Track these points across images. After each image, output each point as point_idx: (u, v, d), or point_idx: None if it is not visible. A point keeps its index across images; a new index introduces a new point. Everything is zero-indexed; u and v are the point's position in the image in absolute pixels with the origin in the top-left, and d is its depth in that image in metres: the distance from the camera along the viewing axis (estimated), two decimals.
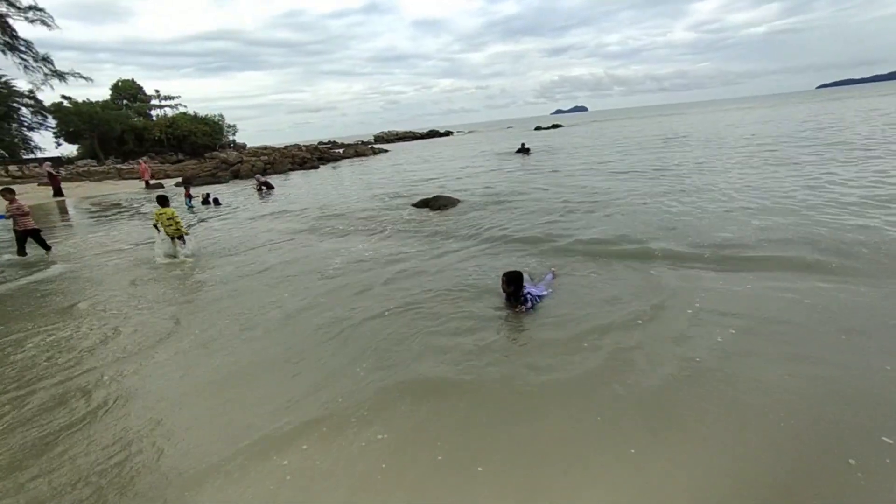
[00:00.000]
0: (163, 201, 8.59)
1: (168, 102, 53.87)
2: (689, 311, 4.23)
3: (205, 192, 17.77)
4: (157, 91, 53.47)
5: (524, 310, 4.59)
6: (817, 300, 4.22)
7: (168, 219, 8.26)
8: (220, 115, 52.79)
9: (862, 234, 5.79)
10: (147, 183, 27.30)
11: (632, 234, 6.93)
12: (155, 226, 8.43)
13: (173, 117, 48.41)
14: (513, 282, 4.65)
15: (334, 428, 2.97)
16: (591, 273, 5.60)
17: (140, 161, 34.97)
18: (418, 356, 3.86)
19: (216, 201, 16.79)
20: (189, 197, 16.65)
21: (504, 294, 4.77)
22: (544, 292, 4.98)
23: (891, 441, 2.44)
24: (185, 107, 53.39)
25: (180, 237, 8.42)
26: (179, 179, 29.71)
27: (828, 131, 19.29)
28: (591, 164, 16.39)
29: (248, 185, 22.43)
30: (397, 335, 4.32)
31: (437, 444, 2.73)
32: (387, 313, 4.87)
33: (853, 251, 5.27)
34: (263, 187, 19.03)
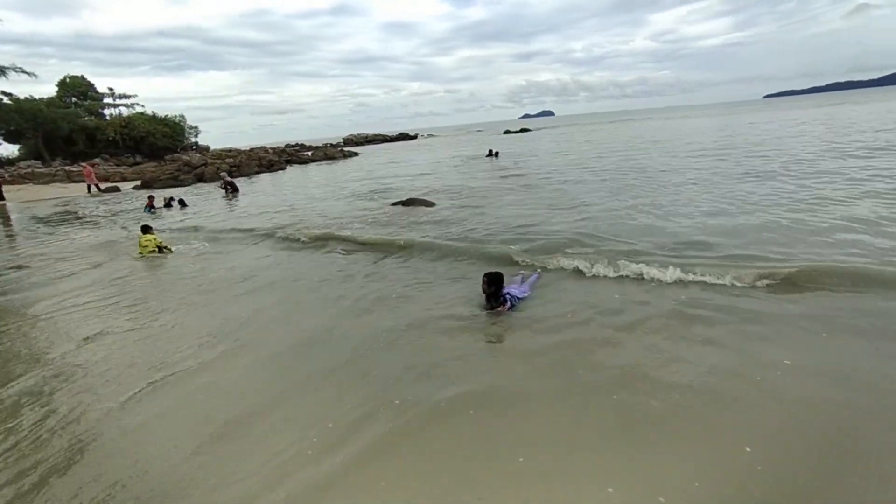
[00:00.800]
0: (146, 230, 9.22)
1: (123, 101, 51.09)
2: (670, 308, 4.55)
3: (167, 196, 17.24)
4: (110, 89, 50.62)
5: (504, 310, 4.69)
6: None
7: (147, 241, 8.88)
8: (181, 116, 50.66)
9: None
10: (90, 188, 24.78)
11: (610, 235, 7.27)
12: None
13: (129, 117, 46.01)
14: (493, 282, 4.73)
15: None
16: (569, 276, 5.76)
17: (83, 164, 32.66)
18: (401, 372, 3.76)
19: (181, 202, 16.43)
20: (151, 207, 16.07)
21: (484, 294, 4.83)
22: (525, 293, 5.06)
23: None
24: (143, 106, 50.84)
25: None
26: (138, 183, 28.35)
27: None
28: (562, 168, 17.08)
29: (213, 188, 21.86)
30: (381, 341, 4.39)
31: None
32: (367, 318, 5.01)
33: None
34: (228, 187, 18.69)
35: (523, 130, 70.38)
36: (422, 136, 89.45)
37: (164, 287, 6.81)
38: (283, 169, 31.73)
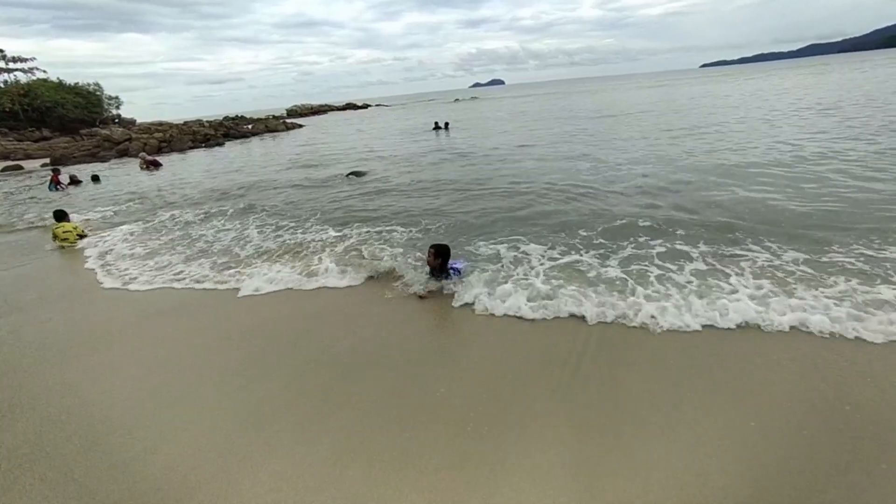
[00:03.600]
0: (60, 216, 8.21)
1: (18, 66, 44.39)
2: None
3: (71, 174, 16.06)
4: (0, 51, 43.76)
5: (452, 282, 4.70)
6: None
7: (65, 232, 7.92)
8: (97, 85, 45.09)
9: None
10: None
11: (549, 208, 7.57)
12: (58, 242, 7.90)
13: (29, 84, 40.28)
14: (441, 254, 4.72)
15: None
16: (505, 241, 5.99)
17: None
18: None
19: (95, 178, 15.51)
20: (56, 183, 14.70)
21: (429, 267, 4.83)
22: (464, 264, 5.09)
23: None
24: (45, 72, 44.58)
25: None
26: (46, 161, 25.26)
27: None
28: (508, 136, 17.23)
29: (135, 163, 20.20)
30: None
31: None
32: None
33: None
34: (151, 166, 17.65)
35: (473, 99, 69.93)
36: (379, 105, 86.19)
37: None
38: (220, 144, 29.48)
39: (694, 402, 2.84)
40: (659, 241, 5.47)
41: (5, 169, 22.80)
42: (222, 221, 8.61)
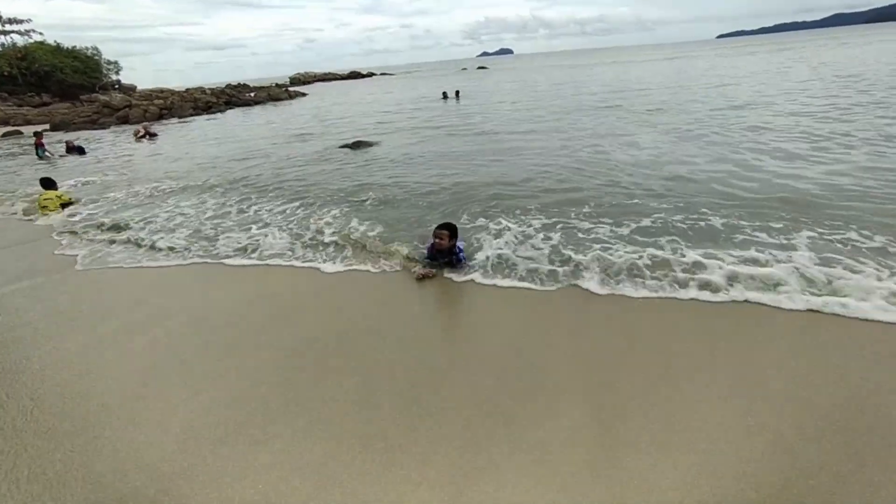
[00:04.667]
0: (48, 184, 7.86)
1: (15, 28, 43.15)
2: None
3: (68, 140, 15.48)
4: None
5: (463, 264, 4.38)
6: None
7: (46, 199, 7.52)
8: (95, 49, 43.87)
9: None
10: None
11: (549, 183, 7.16)
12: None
13: (26, 48, 39.23)
14: (454, 234, 4.35)
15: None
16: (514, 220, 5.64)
17: None
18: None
19: (80, 150, 14.68)
20: (41, 146, 14.33)
21: (435, 250, 4.37)
22: (462, 243, 4.67)
23: None
24: (42, 34, 43.34)
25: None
26: (46, 126, 24.79)
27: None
28: (516, 108, 16.54)
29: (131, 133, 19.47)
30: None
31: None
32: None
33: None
34: (147, 136, 17.24)
35: (480, 68, 67.67)
36: (385, 74, 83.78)
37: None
38: (221, 111, 28.80)
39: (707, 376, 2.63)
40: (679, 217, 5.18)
41: (5, 134, 22.43)
42: (207, 196, 7.92)
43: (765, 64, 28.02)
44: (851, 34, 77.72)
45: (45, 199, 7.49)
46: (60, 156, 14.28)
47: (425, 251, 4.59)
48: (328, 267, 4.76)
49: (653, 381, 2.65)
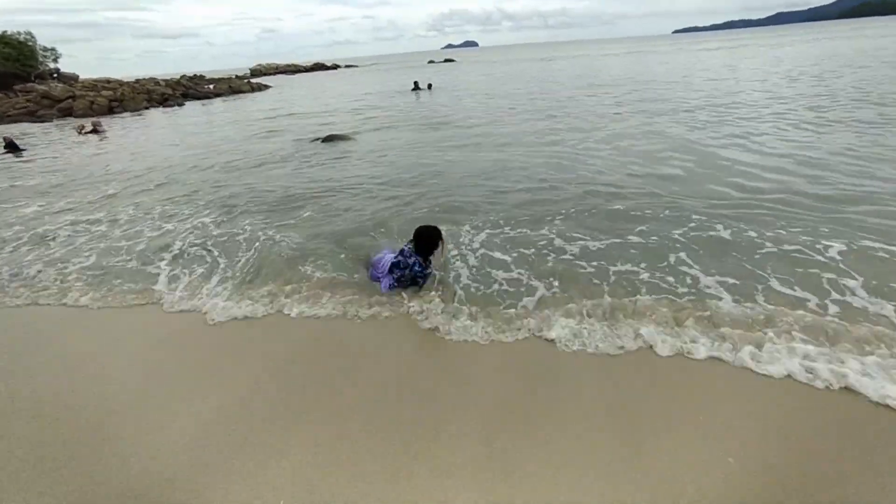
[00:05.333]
0: None
1: None
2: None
3: (6, 136, 14.01)
4: None
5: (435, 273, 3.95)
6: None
7: None
8: (28, 34, 40.13)
9: None
10: None
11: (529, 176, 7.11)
12: None
13: None
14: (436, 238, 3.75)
15: None
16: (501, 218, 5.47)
17: None
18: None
19: (12, 146, 13.32)
20: None
21: (414, 259, 3.70)
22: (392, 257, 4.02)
23: None
24: None
25: None
26: None
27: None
28: (482, 100, 16.44)
29: (73, 127, 17.81)
30: None
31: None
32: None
33: None
34: (94, 131, 15.96)
35: (448, 61, 67.22)
36: (349, 66, 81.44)
37: None
38: (179, 105, 27.10)
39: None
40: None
41: None
42: (171, 207, 6.83)
43: (728, 58, 29.33)
44: (794, 32, 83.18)
45: None
46: (1, 153, 12.90)
47: (399, 269, 3.71)
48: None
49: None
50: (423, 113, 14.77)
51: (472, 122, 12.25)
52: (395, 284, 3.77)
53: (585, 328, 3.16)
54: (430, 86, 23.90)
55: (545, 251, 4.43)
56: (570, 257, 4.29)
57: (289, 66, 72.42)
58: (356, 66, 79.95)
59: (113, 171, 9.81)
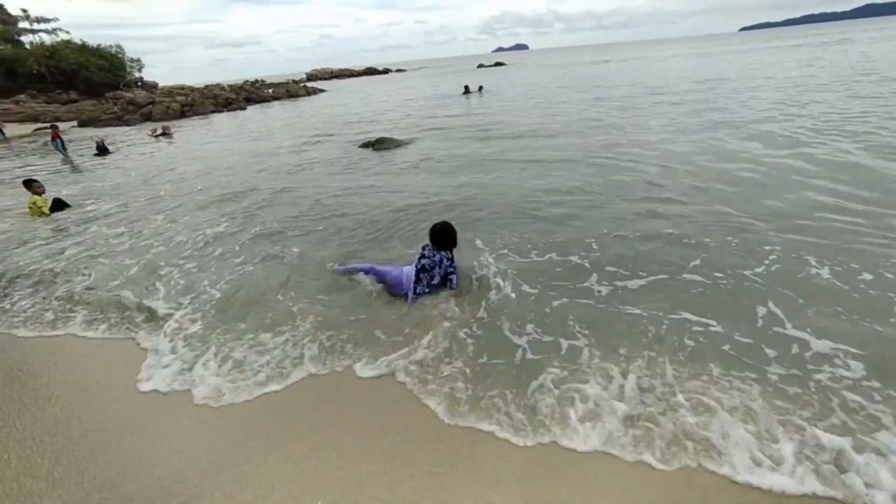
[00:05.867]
0: (27, 184, 7.51)
1: (43, 27, 44.33)
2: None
3: (99, 139, 15.35)
4: (24, 11, 43.56)
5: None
6: None
7: (32, 205, 7.34)
8: (119, 47, 44.77)
9: None
10: None
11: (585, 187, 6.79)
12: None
13: (54, 46, 40.18)
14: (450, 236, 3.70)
15: None
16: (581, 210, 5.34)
17: None
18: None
19: (102, 148, 14.53)
20: (58, 139, 14.29)
21: (435, 253, 3.66)
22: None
23: None
24: (68, 33, 44.39)
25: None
26: (74, 123, 25.33)
27: None
28: (541, 107, 16.07)
29: (147, 132, 19.35)
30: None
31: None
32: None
33: None
34: (163, 136, 17.49)
35: (498, 64, 66.93)
36: (400, 70, 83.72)
37: None
38: (242, 108, 29.02)
39: None
40: None
41: (36, 130, 22.96)
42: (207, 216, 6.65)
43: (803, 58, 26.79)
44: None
45: (30, 201, 7.35)
46: (94, 154, 14.32)
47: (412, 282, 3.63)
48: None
49: None
50: (474, 120, 14.59)
51: (517, 131, 11.96)
52: (427, 290, 3.65)
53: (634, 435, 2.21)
54: (480, 88, 24.01)
55: (579, 290, 3.66)
56: (607, 299, 3.47)
57: (343, 70, 75.42)
58: (406, 70, 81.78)
59: (166, 174, 10.43)
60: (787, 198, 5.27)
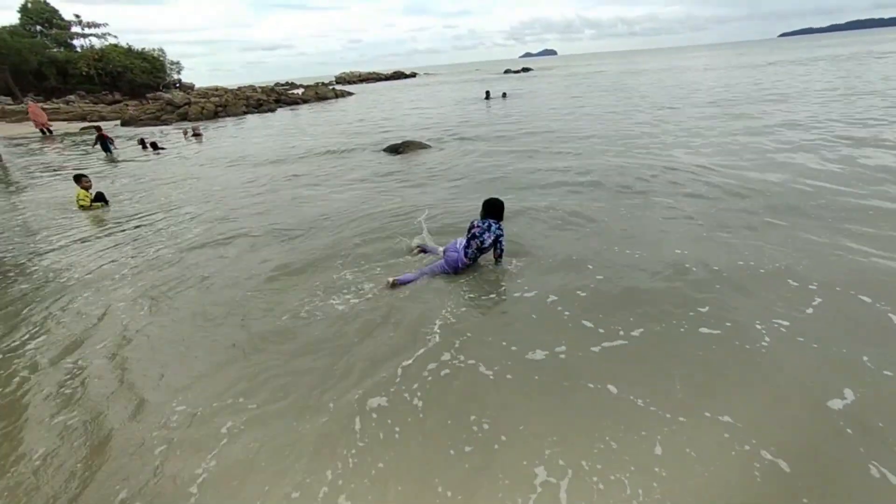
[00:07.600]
0: (76, 179, 8.02)
1: (93, 31, 47.12)
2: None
3: (144, 137, 16.30)
4: (77, 17, 46.42)
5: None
6: None
7: (80, 198, 7.87)
8: (161, 50, 47.10)
9: None
10: (44, 131, 22.11)
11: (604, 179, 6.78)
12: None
13: (103, 50, 42.65)
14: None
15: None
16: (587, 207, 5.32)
17: (27, 101, 30.53)
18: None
19: (154, 146, 15.36)
20: (104, 139, 14.93)
21: (485, 220, 4.11)
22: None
23: None
24: (116, 37, 47.01)
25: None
26: (118, 122, 26.74)
27: None
28: (565, 108, 15.96)
29: (190, 129, 20.04)
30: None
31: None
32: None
33: None
34: (195, 136, 18.21)
35: (524, 70, 66.68)
36: (426, 74, 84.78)
37: None
38: (272, 110, 29.97)
39: None
40: None
41: (84, 129, 24.37)
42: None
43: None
44: None
45: (79, 194, 7.90)
46: (143, 149, 15.21)
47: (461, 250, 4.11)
48: None
49: None
50: (495, 127, 14.52)
51: (537, 145, 11.93)
52: (477, 254, 4.13)
53: None
54: (504, 94, 24.08)
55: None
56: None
57: (371, 74, 76.74)
58: (432, 75, 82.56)
59: (186, 177, 10.56)
60: None
